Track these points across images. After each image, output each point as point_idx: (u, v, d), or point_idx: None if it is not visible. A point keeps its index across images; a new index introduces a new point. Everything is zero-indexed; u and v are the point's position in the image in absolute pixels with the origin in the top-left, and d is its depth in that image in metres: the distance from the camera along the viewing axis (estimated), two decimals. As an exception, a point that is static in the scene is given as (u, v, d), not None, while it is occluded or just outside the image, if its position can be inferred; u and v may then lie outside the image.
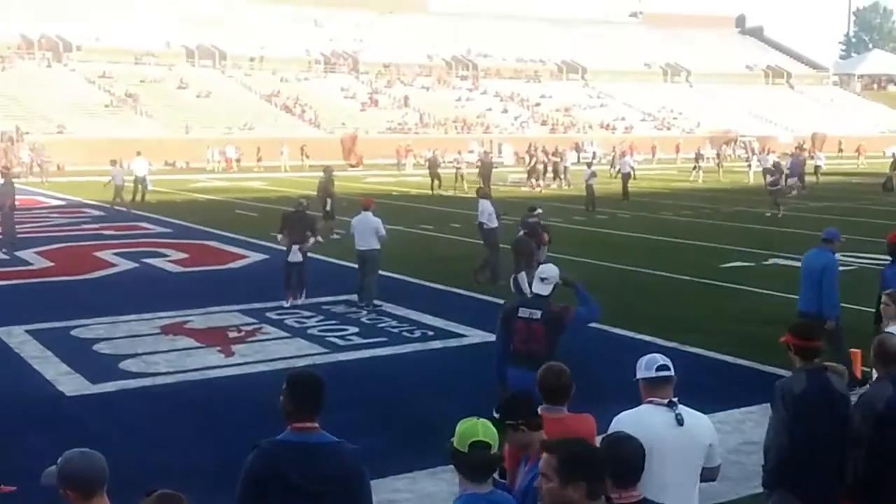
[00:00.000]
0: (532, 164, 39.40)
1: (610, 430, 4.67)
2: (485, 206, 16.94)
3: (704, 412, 6.04)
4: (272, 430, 4.19)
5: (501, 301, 13.32)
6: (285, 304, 14.06)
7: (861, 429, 5.17)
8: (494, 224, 16.65)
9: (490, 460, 3.78)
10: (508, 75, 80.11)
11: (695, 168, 44.14)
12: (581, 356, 10.03)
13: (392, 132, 63.01)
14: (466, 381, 10.32)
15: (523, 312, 7.41)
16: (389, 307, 14.11)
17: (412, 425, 8.78)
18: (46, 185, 37.96)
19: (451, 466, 4.25)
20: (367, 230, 14.37)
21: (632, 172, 35.20)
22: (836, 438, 5.17)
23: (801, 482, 5.13)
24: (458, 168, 38.22)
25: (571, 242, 21.19)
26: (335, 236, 21.00)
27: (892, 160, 43.34)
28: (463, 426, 3.81)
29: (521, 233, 13.09)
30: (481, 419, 3.87)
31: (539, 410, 4.44)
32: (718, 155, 46.23)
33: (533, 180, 38.54)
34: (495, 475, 4.30)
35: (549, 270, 7.55)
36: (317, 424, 4.11)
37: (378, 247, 14.40)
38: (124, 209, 28.15)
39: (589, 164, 32.86)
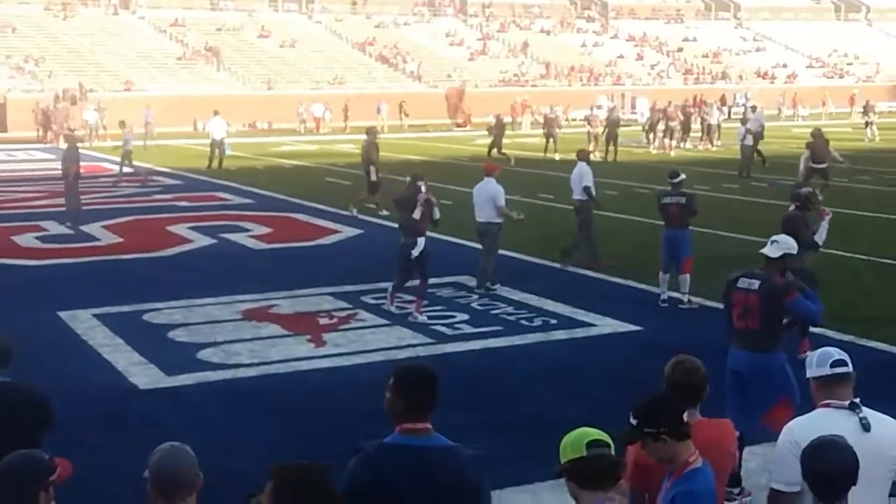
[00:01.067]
0: (655, 121, 38.58)
1: (781, 440, 4.56)
2: (582, 171, 16.29)
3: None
4: (369, 431, 4.22)
5: (638, 285, 13.20)
6: (420, 317, 12.77)
7: None
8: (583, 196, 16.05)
9: (614, 462, 3.76)
10: (644, 15, 78.94)
11: (867, 125, 42.68)
12: (720, 354, 9.82)
13: (505, 85, 62.87)
14: (595, 378, 10.26)
15: (743, 283, 7.53)
16: (505, 291, 14.12)
17: (532, 429, 8.76)
18: (148, 150, 38.57)
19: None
20: (485, 199, 14.53)
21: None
22: None
23: None
24: (589, 126, 37.96)
25: (720, 216, 20.77)
26: (383, 212, 21.03)
27: None
28: (570, 436, 3.81)
29: (792, 207, 12.13)
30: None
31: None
32: None
33: (666, 140, 37.89)
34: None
35: (785, 238, 7.80)
36: (429, 425, 4.13)
37: (499, 220, 14.51)
38: (133, 173, 28.64)
39: (743, 121, 32.09)
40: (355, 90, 56.75)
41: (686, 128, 39.16)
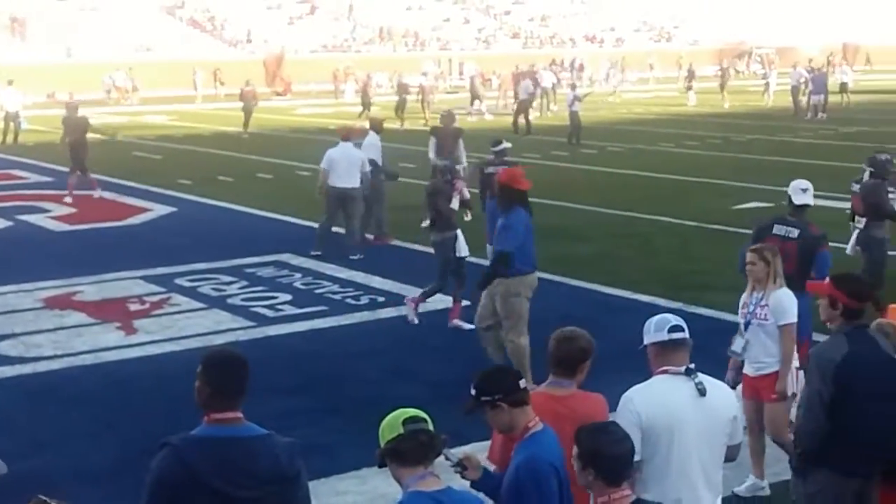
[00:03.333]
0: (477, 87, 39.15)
1: (620, 409, 4.71)
2: (371, 142, 15.91)
3: (718, 386, 6.15)
4: (186, 423, 4.15)
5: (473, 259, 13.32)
6: (462, 324, 11.27)
7: None
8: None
9: (432, 435, 3.89)
10: (470, -23, 79.52)
11: (688, 89, 44.11)
12: (569, 322, 10.07)
13: (328, 51, 62.45)
14: (428, 356, 10.34)
15: (779, 229, 8.44)
16: (330, 268, 14.07)
17: (361, 413, 8.75)
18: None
19: (443, 456, 4.24)
20: (351, 165, 14.72)
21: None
22: (886, 407, 5.23)
23: (846, 459, 5.22)
24: (420, 94, 38.20)
25: (549, 183, 21.22)
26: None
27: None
28: (387, 418, 3.94)
29: (865, 174, 11.51)
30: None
31: (541, 386, 4.58)
32: (722, 72, 44.88)
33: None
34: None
35: (811, 186, 8.67)
36: (240, 414, 4.08)
37: (360, 185, 14.87)
38: None
39: (573, 87, 32.84)
40: (164, 57, 55.28)
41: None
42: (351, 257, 14.55)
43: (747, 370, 7.13)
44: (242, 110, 34.22)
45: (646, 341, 4.80)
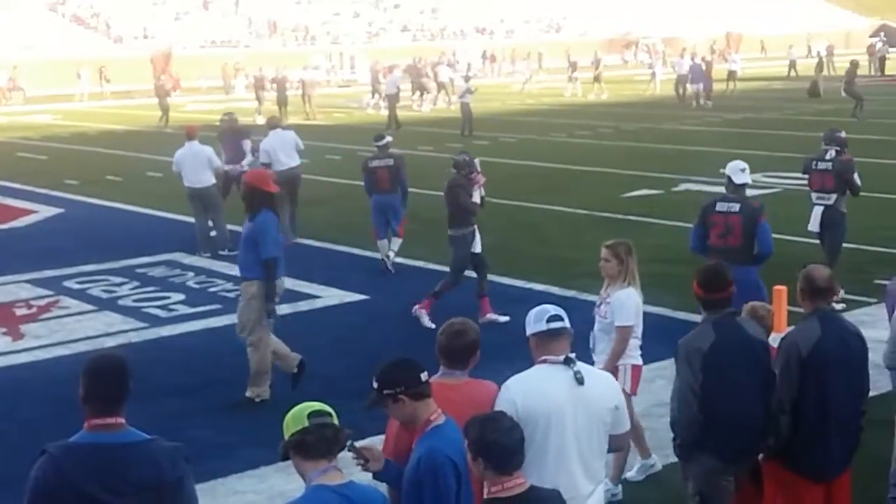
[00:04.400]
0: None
1: (497, 399, 4.75)
2: (285, 138, 15.78)
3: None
4: (78, 429, 4.07)
5: (363, 252, 13.33)
6: (496, 317, 11.09)
7: (785, 375, 5.42)
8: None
9: (337, 429, 3.90)
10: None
11: (569, 80, 44.45)
12: (462, 312, 10.12)
13: (217, 46, 61.62)
14: (324, 353, 10.30)
15: (721, 206, 8.97)
16: (223, 266, 13.91)
17: (257, 411, 8.73)
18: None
19: (347, 449, 4.23)
20: (199, 163, 14.64)
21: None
22: (757, 391, 5.41)
23: (722, 445, 5.36)
24: (302, 88, 37.90)
25: (443, 175, 21.27)
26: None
27: (816, 61, 45.21)
28: (291, 411, 3.95)
29: (829, 152, 11.65)
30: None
31: (433, 377, 4.53)
32: (596, 63, 44.41)
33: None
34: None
35: (744, 163, 9.20)
36: (121, 420, 4.01)
37: (214, 181, 14.85)
38: None
39: (466, 79, 32.98)
40: (47, 56, 53.94)
41: (422, 88, 39.86)
42: (220, 252, 14.50)
43: (596, 363, 7.03)
44: (159, 106, 34.27)
45: (527, 332, 4.85)
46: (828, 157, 11.60)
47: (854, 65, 33.89)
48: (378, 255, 13.76)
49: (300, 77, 39.21)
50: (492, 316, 11.02)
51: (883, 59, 50.05)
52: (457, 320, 4.96)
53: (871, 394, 5.91)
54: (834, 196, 11.49)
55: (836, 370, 5.41)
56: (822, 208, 11.54)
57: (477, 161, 11.44)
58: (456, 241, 11.28)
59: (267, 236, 8.88)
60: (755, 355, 5.42)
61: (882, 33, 73.73)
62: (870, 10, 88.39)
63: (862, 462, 6.08)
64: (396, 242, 13.65)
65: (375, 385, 4.39)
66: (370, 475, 4.48)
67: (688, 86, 37.46)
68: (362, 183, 14.08)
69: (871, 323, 9.41)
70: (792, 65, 51.44)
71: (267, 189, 9.07)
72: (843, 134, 12.05)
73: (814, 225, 11.60)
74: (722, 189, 9.49)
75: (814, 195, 11.68)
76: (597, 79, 42.95)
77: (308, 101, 37.07)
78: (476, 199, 11.20)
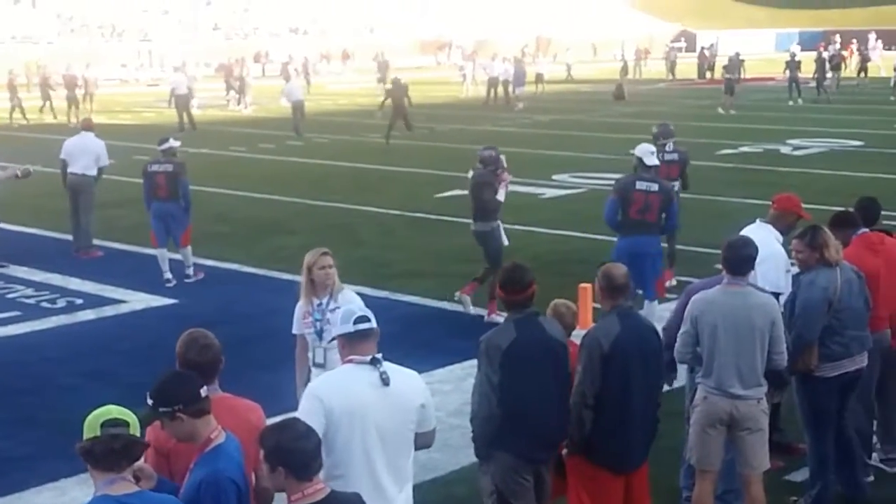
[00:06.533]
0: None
1: (302, 402, 4.73)
2: (93, 142, 15.01)
3: (422, 369, 6.27)
4: None
5: (173, 256, 13.01)
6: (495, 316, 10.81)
7: (587, 370, 5.58)
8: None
9: (129, 441, 3.78)
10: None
11: (380, 80, 44.09)
12: (271, 318, 10.09)
13: (17, 42, 59.20)
14: (130, 360, 10.04)
15: (641, 185, 10.11)
16: (21, 270, 13.40)
17: (60, 422, 8.41)
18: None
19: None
20: (84, 153, 14.55)
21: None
22: (554, 389, 5.56)
23: (519, 442, 5.48)
24: (84, 87, 36.52)
25: (256, 175, 21.08)
26: None
27: (622, 65, 46.76)
28: (91, 414, 3.82)
29: (669, 143, 12.46)
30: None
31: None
32: (378, 65, 44.02)
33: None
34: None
35: (652, 146, 10.61)
36: None
37: (95, 174, 14.66)
38: None
39: (287, 79, 32.66)
40: None
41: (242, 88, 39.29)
42: (75, 252, 14.34)
43: None
44: (66, 98, 33.63)
45: (334, 333, 4.85)
46: (668, 148, 12.48)
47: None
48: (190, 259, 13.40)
49: (82, 75, 37.43)
50: (495, 316, 10.74)
51: (674, 64, 52.05)
52: (197, 333, 4.75)
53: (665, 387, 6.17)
54: (678, 184, 12.29)
55: (635, 364, 5.61)
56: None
57: (503, 157, 11.54)
58: (486, 236, 11.38)
59: None
60: (553, 354, 5.55)
61: (682, 38, 77.01)
62: (673, 16, 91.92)
63: (659, 453, 6.34)
64: (186, 253, 12.99)
65: (150, 402, 4.17)
66: None
67: (513, 88, 37.90)
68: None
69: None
70: (568, 68, 52.48)
71: None
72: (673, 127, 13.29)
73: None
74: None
75: None
76: (381, 80, 43.24)
77: (90, 100, 36.01)
78: (501, 196, 11.30)
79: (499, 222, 11.43)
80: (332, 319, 6.32)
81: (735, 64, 36.83)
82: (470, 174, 11.56)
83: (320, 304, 6.69)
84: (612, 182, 12.22)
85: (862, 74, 45.67)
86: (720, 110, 33.91)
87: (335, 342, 6.19)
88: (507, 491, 5.54)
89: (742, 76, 39.26)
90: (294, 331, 6.78)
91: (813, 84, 38.39)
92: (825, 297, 6.48)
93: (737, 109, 33.94)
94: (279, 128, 29.62)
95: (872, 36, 54.43)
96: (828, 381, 6.61)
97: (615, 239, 10.49)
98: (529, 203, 17.69)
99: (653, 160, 10.30)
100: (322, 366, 6.56)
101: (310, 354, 6.71)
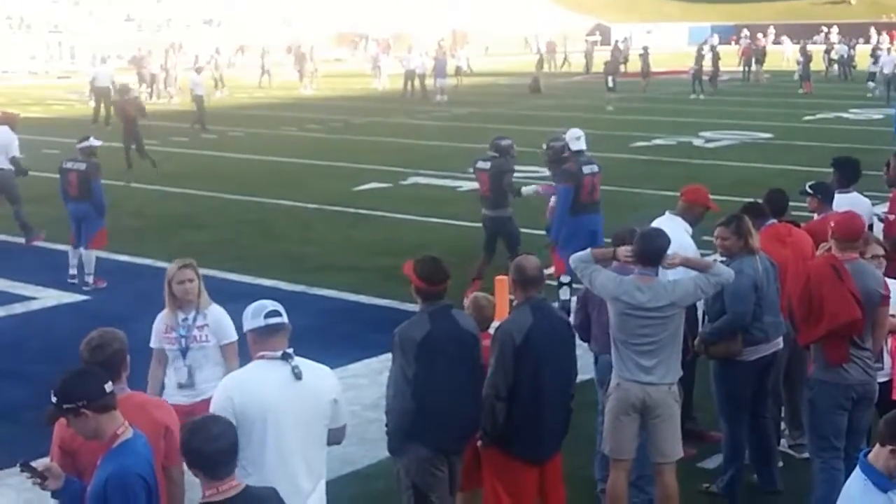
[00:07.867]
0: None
1: (214, 398, 4.69)
2: (10, 137, 14.79)
3: (339, 363, 6.26)
4: None
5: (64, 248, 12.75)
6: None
7: (500, 363, 5.62)
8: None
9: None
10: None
11: (299, 72, 43.74)
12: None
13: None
14: (39, 357, 9.85)
15: (586, 169, 10.94)
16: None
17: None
18: None
19: (19, 469, 4.16)
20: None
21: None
22: (467, 382, 5.59)
23: (434, 434, 5.50)
24: None
25: (169, 170, 20.79)
26: None
27: (537, 59, 46.99)
28: None
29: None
30: None
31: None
32: (296, 56, 43.93)
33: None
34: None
35: (580, 131, 11.21)
36: None
37: (10, 167, 14.64)
38: None
39: (198, 71, 32.19)
40: None
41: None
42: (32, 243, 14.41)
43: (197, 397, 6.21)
44: None
45: (244, 328, 4.82)
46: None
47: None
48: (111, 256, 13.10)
49: None
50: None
51: (591, 57, 52.51)
52: (98, 332, 4.73)
53: (579, 378, 6.23)
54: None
55: (548, 356, 5.66)
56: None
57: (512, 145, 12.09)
58: (505, 221, 11.83)
59: None
60: (467, 346, 5.58)
61: (596, 32, 77.71)
62: (587, 10, 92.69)
63: (574, 443, 6.40)
64: (89, 258, 12.40)
65: (54, 399, 4.09)
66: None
67: (434, 80, 37.79)
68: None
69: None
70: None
71: None
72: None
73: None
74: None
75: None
76: (301, 74, 42.98)
77: None
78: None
79: (512, 210, 12.02)
80: (183, 336, 6.27)
81: (619, 58, 38.96)
82: (479, 164, 12.02)
83: (186, 320, 6.36)
84: (529, 176, 12.38)
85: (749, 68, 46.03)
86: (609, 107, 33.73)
87: (204, 358, 6.25)
88: (423, 483, 5.56)
89: (650, 69, 39.77)
90: (152, 344, 6.39)
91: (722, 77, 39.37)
92: (753, 283, 6.61)
93: (650, 102, 34.39)
94: (193, 121, 29.24)
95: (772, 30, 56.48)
96: (746, 366, 6.73)
97: (541, 232, 10.62)
98: (447, 196, 17.74)
99: (578, 144, 11.03)
100: (190, 386, 6.20)
101: (170, 371, 6.30)
